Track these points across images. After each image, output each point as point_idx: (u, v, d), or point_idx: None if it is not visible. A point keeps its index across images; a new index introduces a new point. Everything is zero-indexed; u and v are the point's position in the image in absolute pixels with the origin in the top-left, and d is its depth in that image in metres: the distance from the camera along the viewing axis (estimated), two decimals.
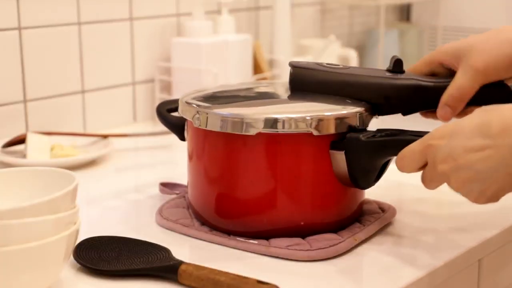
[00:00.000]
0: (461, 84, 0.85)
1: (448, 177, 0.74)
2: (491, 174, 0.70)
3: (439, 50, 0.89)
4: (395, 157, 0.84)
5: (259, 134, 0.82)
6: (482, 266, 0.93)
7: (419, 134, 0.80)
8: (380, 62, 1.91)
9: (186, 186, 0.98)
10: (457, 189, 0.74)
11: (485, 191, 0.72)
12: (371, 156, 0.83)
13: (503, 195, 0.72)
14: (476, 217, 0.96)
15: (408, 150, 0.78)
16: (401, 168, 0.80)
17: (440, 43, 2.13)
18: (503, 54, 0.84)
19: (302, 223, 0.85)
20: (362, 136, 0.83)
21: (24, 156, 1.20)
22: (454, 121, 0.75)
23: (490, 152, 0.69)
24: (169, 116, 0.97)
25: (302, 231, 0.85)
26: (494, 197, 0.73)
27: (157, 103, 1.51)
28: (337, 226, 0.87)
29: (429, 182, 0.78)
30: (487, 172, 0.70)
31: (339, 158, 0.83)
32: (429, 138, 0.76)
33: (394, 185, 1.07)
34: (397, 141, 0.81)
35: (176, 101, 1.00)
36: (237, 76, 1.54)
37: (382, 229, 0.91)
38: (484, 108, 0.72)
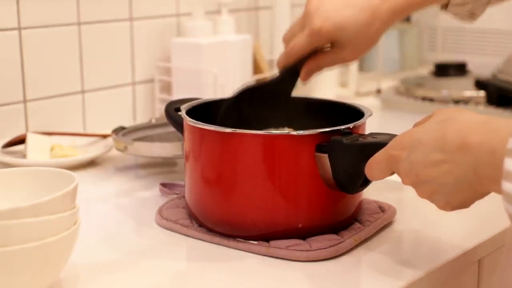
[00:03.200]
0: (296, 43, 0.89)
1: (414, 188, 0.74)
2: (452, 187, 0.69)
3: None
4: None
5: (257, 135, 0.82)
6: (482, 266, 0.93)
7: None
8: (380, 62, 1.90)
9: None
10: (424, 198, 0.74)
11: (450, 202, 0.71)
12: (354, 159, 0.82)
13: (470, 204, 0.71)
14: (476, 217, 0.96)
15: (374, 160, 0.78)
16: (371, 177, 0.80)
17: (440, 43, 2.13)
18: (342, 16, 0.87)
19: (300, 225, 0.84)
20: (344, 139, 0.82)
21: (24, 156, 1.20)
22: (411, 129, 0.74)
23: (448, 167, 0.68)
24: (178, 116, 0.97)
25: (301, 233, 0.85)
26: (461, 206, 0.71)
27: (157, 103, 1.52)
28: (336, 228, 0.87)
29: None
30: (449, 185, 0.69)
31: (324, 161, 0.83)
32: (390, 147, 0.75)
33: (394, 185, 1.06)
34: (378, 144, 0.80)
35: (184, 101, 0.99)
36: (237, 76, 1.54)
37: (382, 229, 0.91)
38: (440, 118, 0.71)
